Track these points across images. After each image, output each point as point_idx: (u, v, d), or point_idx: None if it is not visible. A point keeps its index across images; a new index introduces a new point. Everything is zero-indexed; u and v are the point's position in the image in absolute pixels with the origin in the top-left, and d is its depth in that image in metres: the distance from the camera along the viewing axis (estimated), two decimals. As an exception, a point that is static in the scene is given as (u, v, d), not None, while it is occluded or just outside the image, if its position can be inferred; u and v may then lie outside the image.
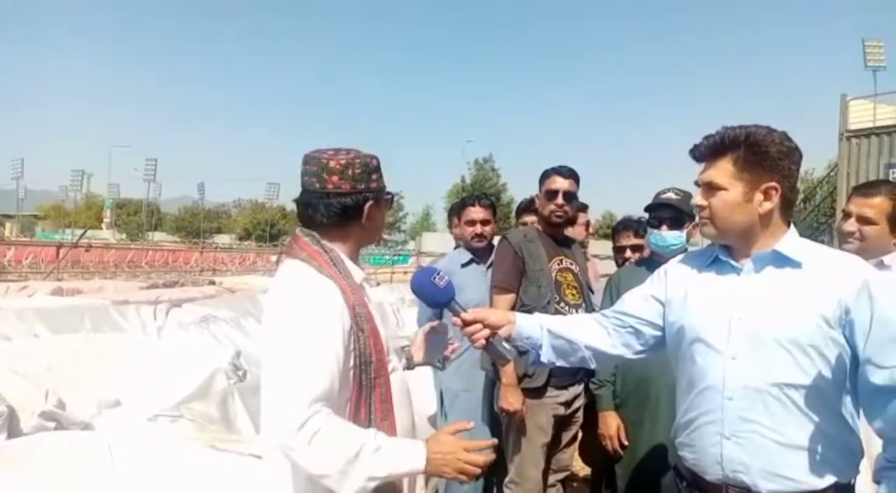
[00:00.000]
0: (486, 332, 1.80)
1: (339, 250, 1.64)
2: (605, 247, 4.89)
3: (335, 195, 1.61)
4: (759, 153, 1.63)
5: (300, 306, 1.49)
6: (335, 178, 1.60)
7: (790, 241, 1.68)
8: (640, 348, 1.93)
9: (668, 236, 2.90)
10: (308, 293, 1.50)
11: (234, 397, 3.01)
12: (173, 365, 4.05)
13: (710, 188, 1.69)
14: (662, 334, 1.89)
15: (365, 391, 1.54)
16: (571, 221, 3.26)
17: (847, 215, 2.58)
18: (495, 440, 1.71)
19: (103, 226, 61.63)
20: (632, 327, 1.92)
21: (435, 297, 1.81)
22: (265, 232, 64.06)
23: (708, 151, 1.71)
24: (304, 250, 1.59)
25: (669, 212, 2.90)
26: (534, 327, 1.92)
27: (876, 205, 2.49)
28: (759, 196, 1.64)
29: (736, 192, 1.65)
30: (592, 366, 2.00)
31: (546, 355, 1.92)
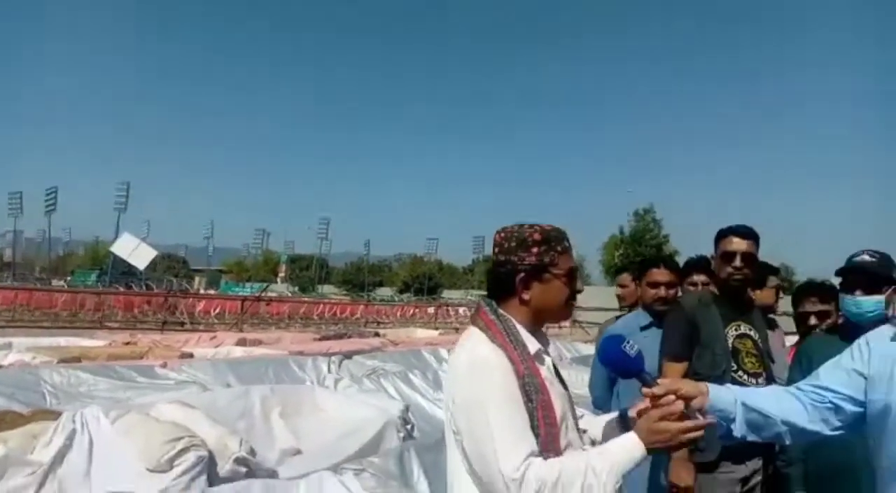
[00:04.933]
0: (681, 404, 1.71)
1: (516, 320, 1.67)
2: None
3: (495, 266, 1.71)
4: None
5: (477, 374, 1.55)
6: (496, 250, 1.71)
7: None
8: (838, 424, 1.84)
9: (863, 302, 2.65)
10: (481, 361, 1.56)
11: (411, 452, 3.11)
12: (348, 416, 4.29)
13: None
14: (863, 411, 1.80)
15: None
16: (759, 285, 3.08)
17: None
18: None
19: (278, 280, 66.37)
20: (831, 402, 1.83)
21: (625, 366, 1.77)
22: (423, 285, 65.96)
23: None
24: (482, 318, 1.67)
25: (864, 276, 2.68)
26: (728, 398, 1.84)
27: None
28: None
29: None
30: (787, 442, 1.91)
31: (739, 430, 1.84)
